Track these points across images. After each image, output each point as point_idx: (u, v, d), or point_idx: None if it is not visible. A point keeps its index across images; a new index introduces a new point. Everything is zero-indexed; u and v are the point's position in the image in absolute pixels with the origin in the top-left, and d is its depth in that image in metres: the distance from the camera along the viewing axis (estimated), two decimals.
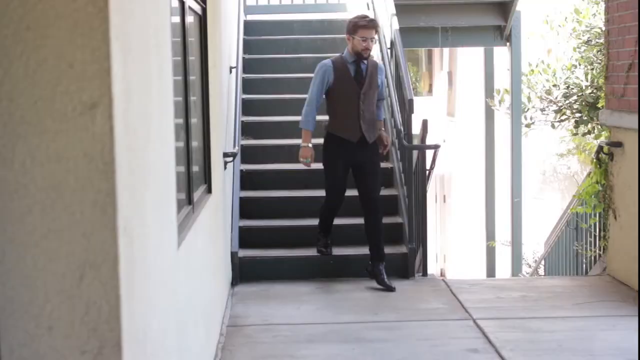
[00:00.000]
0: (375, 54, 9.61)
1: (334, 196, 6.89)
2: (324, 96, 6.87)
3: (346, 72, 6.74)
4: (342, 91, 6.75)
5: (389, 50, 8.91)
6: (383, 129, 7.03)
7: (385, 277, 6.77)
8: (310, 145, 6.83)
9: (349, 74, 6.73)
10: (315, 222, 7.57)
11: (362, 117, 6.70)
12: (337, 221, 7.59)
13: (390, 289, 6.70)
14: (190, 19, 4.54)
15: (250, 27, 10.55)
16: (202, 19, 5.25)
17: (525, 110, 12.14)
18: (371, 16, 10.20)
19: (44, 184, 2.33)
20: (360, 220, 7.58)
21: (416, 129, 7.79)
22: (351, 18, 6.88)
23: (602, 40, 10.08)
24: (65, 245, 2.34)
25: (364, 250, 7.27)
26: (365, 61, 6.75)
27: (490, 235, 13.33)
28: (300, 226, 7.55)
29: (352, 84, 6.72)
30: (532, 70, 12.10)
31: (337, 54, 7.00)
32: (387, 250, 7.27)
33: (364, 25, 6.66)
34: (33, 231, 2.34)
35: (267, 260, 7.21)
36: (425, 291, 6.75)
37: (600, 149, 7.26)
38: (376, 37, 6.90)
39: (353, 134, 6.72)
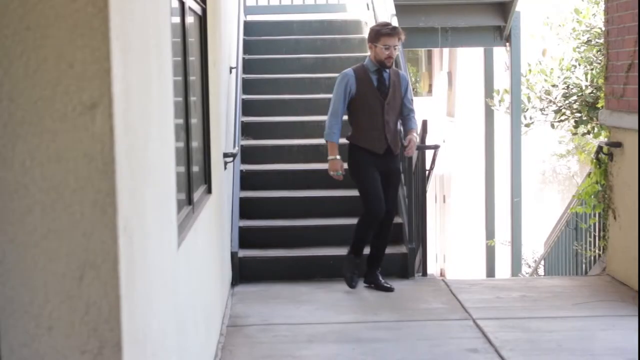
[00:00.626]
0: None
1: (376, 204, 6.51)
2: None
3: (369, 81, 6.54)
4: (365, 102, 6.53)
5: None
6: (416, 134, 6.74)
7: (382, 280, 6.76)
8: (338, 157, 6.57)
9: (372, 84, 6.54)
10: (315, 222, 7.59)
11: (387, 128, 6.52)
12: (338, 222, 7.61)
13: (390, 289, 6.68)
14: (190, 19, 4.54)
15: (250, 28, 10.56)
16: (202, 20, 5.25)
17: (525, 110, 12.15)
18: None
19: (44, 184, 2.33)
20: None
21: None
22: (373, 26, 6.72)
23: (601, 41, 10.08)
24: (65, 245, 2.34)
25: (364, 250, 7.27)
26: (388, 70, 6.56)
27: (490, 236, 13.34)
28: (300, 226, 7.55)
29: (376, 94, 6.52)
30: (530, 70, 12.11)
31: (358, 64, 6.79)
32: (387, 250, 7.27)
33: (387, 33, 6.46)
34: (33, 231, 2.34)
35: (267, 260, 7.21)
36: (425, 291, 6.75)
37: (599, 149, 7.27)
38: (400, 45, 6.69)
39: (379, 146, 6.54)
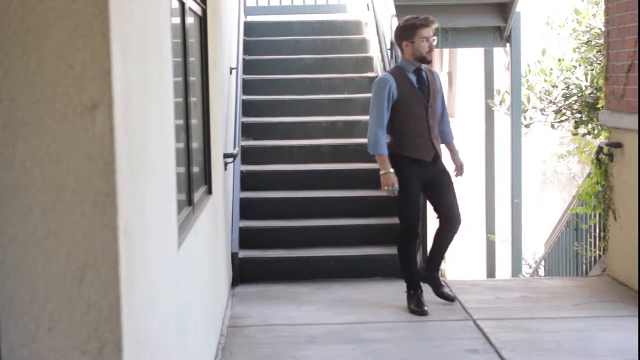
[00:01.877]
0: (375, 55, 9.64)
1: (413, 221, 6.11)
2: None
3: (409, 83, 6.02)
4: (408, 105, 6.00)
5: (389, 52, 8.91)
6: (457, 150, 6.41)
7: (441, 287, 6.32)
8: (391, 171, 5.98)
9: (413, 86, 6.02)
10: (315, 223, 7.58)
11: (432, 133, 6.04)
12: (338, 222, 7.61)
13: (451, 299, 6.25)
14: (190, 19, 4.54)
15: (250, 28, 10.56)
16: (203, 20, 5.25)
17: (525, 110, 12.14)
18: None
19: (44, 184, 2.33)
20: (360, 221, 7.61)
21: None
22: (402, 23, 6.12)
23: (602, 41, 10.09)
24: (66, 245, 2.34)
25: (364, 251, 7.29)
26: (423, 68, 6.09)
27: (491, 234, 13.32)
28: (301, 227, 7.55)
29: (418, 96, 6.01)
30: (529, 71, 12.11)
31: (392, 67, 6.27)
32: (387, 250, 7.28)
33: (423, 25, 5.99)
34: (33, 232, 2.34)
35: (268, 261, 7.21)
36: (425, 292, 6.74)
37: (600, 149, 7.26)
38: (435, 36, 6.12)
39: (427, 152, 6.05)
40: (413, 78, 6.03)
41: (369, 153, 6.12)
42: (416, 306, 6.13)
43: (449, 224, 6.13)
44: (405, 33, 6.02)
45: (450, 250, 6.38)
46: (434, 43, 6.02)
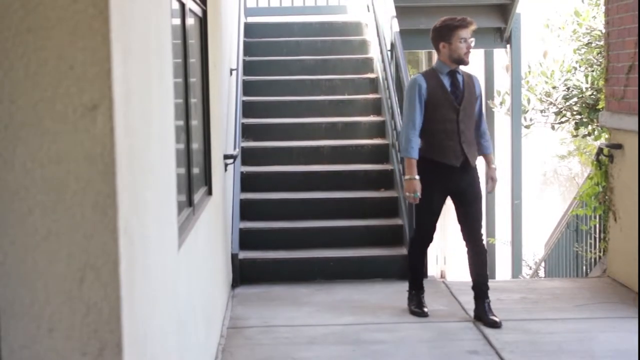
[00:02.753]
0: (375, 56, 9.64)
1: (426, 232, 5.97)
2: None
3: (441, 85, 5.82)
4: (437, 108, 5.80)
5: (389, 53, 8.91)
6: (494, 165, 6.05)
7: (489, 313, 5.87)
8: (417, 177, 5.77)
9: (444, 88, 5.81)
10: (315, 224, 7.59)
11: (462, 137, 5.79)
12: (338, 223, 7.61)
13: (495, 324, 5.77)
14: (190, 21, 4.54)
15: (250, 29, 10.56)
16: (203, 21, 5.25)
17: (525, 111, 12.15)
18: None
19: (44, 185, 2.33)
20: (360, 222, 7.60)
21: None
22: (437, 24, 5.91)
23: (602, 43, 10.09)
24: (66, 246, 2.34)
25: (364, 252, 7.29)
26: (460, 72, 5.88)
27: (491, 237, 13.32)
28: (301, 228, 7.55)
29: (449, 99, 5.78)
30: (529, 72, 12.11)
31: (428, 68, 5.97)
32: (387, 252, 7.29)
33: (461, 25, 5.77)
34: (34, 233, 2.34)
35: (268, 262, 7.21)
36: (425, 293, 6.73)
37: (600, 150, 7.26)
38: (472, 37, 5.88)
39: (455, 158, 5.79)
40: (446, 80, 5.83)
41: (400, 156, 5.91)
42: (417, 307, 6.09)
43: (471, 243, 5.94)
44: (442, 34, 5.83)
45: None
46: (472, 44, 5.83)
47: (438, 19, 6.00)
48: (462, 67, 5.92)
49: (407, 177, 5.83)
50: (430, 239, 6.09)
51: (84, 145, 2.32)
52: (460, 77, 5.86)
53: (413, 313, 6.09)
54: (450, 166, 5.79)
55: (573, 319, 5.98)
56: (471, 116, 5.87)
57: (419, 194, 5.79)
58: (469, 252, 5.97)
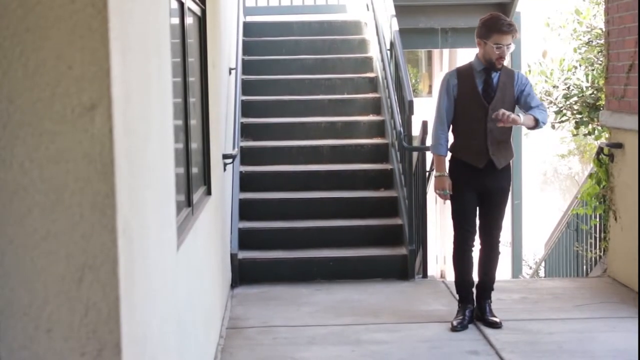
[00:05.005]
0: (375, 55, 9.64)
1: (462, 233, 5.77)
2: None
3: (472, 83, 5.65)
4: (466, 106, 5.67)
5: (388, 52, 8.91)
6: (524, 118, 5.58)
7: (489, 313, 5.85)
8: (446, 174, 5.71)
9: (475, 86, 5.64)
10: (315, 224, 7.58)
11: (489, 137, 5.61)
12: (338, 223, 7.60)
13: (495, 324, 5.75)
14: (189, 20, 4.54)
15: (249, 29, 10.55)
16: (202, 20, 5.25)
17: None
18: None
19: (43, 185, 2.32)
20: (360, 222, 7.60)
21: (416, 131, 7.79)
22: (484, 18, 5.66)
23: (602, 41, 10.08)
24: (65, 246, 2.33)
25: (363, 252, 7.29)
26: (497, 69, 5.66)
27: None
28: (300, 228, 7.54)
29: (478, 98, 5.61)
30: (528, 71, 12.11)
31: (467, 62, 5.83)
32: (387, 251, 7.28)
33: (500, 30, 5.50)
34: (32, 233, 2.33)
35: (267, 262, 7.21)
36: (425, 293, 6.74)
37: (600, 150, 7.26)
38: (513, 44, 5.62)
39: (478, 159, 5.65)
40: (479, 78, 5.65)
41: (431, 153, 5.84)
42: (457, 323, 5.77)
43: (484, 245, 5.82)
44: (481, 32, 5.60)
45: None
46: (508, 52, 5.59)
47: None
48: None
49: (436, 174, 5.76)
50: (468, 241, 5.79)
51: (82, 145, 2.31)
52: (495, 75, 5.65)
53: (451, 327, 5.74)
54: (474, 166, 5.67)
55: (573, 319, 5.97)
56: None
57: (448, 191, 5.70)
58: (481, 252, 5.84)
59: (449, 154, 5.81)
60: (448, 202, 5.85)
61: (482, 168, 5.65)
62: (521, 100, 5.70)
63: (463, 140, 5.73)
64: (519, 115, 5.53)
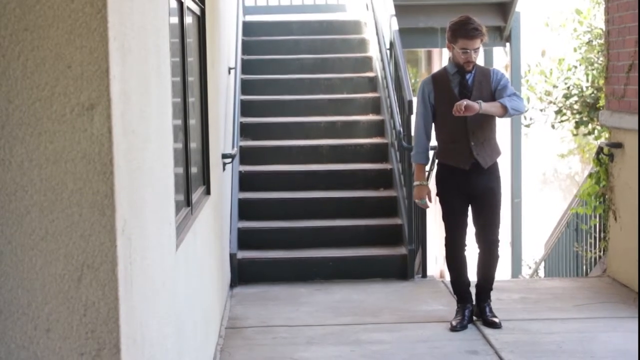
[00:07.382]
0: (374, 55, 9.63)
1: (452, 237, 5.74)
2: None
3: (447, 86, 5.60)
4: (445, 110, 5.56)
5: (388, 51, 8.90)
6: (483, 105, 5.44)
7: (489, 313, 5.81)
8: (425, 183, 5.75)
9: (451, 89, 5.59)
10: (314, 223, 7.58)
11: (472, 138, 5.57)
12: (337, 223, 7.59)
13: (495, 325, 5.72)
14: (188, 19, 4.53)
15: (249, 28, 10.54)
16: (201, 20, 5.24)
17: (525, 110, 12.15)
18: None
19: (42, 185, 2.32)
20: (359, 222, 7.59)
21: None
22: (452, 22, 5.58)
23: (602, 41, 10.08)
24: (64, 246, 2.33)
25: (363, 252, 7.28)
26: (471, 70, 5.60)
27: None
28: (300, 227, 7.54)
29: (455, 100, 5.47)
30: (528, 71, 12.11)
31: (441, 67, 5.80)
32: (386, 251, 7.28)
33: (467, 35, 5.45)
34: (31, 232, 2.33)
35: (266, 262, 7.20)
36: (424, 292, 6.74)
37: (600, 149, 7.25)
38: (481, 46, 5.56)
39: (463, 161, 5.59)
40: (454, 81, 5.60)
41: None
42: (457, 323, 5.74)
43: (481, 248, 5.75)
44: (449, 35, 5.56)
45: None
46: (474, 57, 5.53)
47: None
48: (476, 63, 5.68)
49: (415, 183, 5.80)
50: (459, 244, 5.75)
51: (81, 145, 2.31)
52: (470, 76, 5.60)
53: (451, 327, 5.72)
54: (461, 169, 5.63)
55: (573, 318, 5.97)
56: (485, 115, 5.54)
57: (425, 200, 5.74)
58: (479, 254, 5.80)
59: (436, 160, 5.79)
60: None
61: (468, 170, 5.61)
62: (496, 94, 5.60)
63: (447, 144, 5.71)
64: (478, 103, 5.43)
